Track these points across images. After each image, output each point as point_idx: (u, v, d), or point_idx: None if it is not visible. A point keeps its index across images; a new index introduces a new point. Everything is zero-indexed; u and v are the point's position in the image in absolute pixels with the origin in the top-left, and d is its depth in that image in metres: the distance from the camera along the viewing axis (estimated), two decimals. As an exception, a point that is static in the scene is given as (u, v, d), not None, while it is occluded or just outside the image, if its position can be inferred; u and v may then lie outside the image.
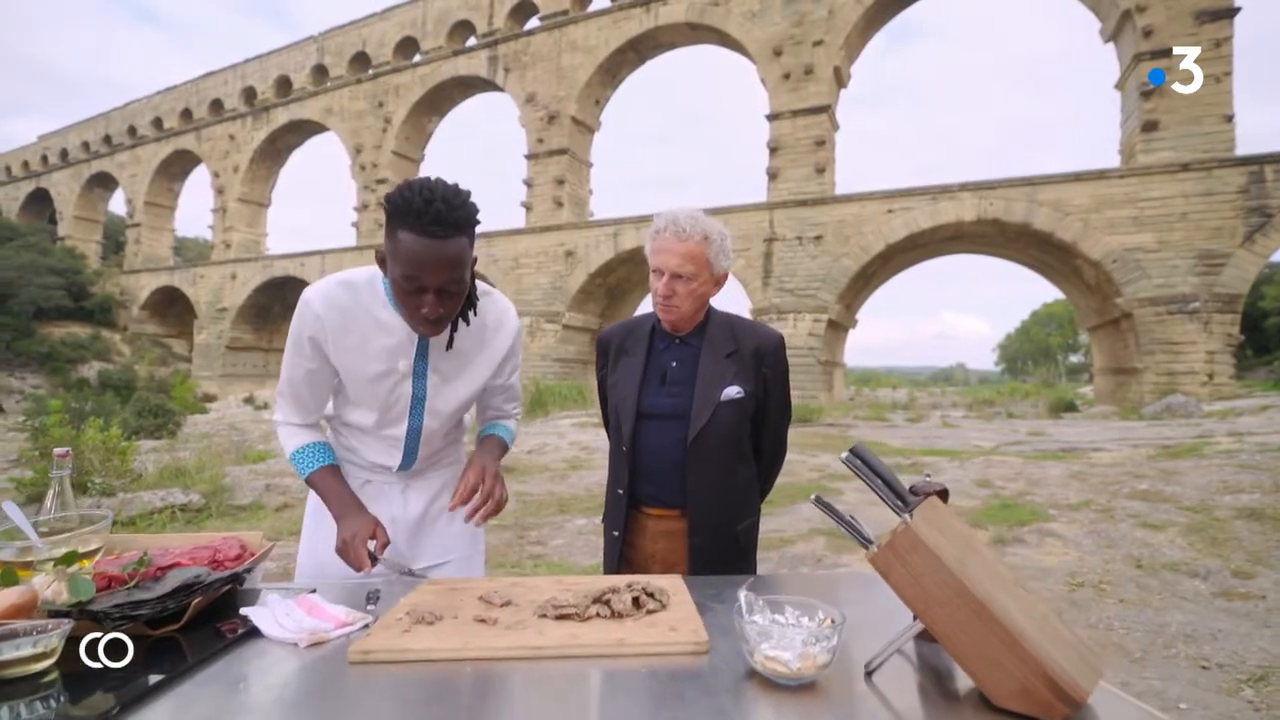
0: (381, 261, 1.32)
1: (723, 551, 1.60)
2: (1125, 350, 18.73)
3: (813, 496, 0.91)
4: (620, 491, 1.69)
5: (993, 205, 19.12)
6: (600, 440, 12.02)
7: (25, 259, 36.04)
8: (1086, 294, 20.63)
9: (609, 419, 1.82)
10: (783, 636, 0.82)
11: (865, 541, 0.88)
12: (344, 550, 1.31)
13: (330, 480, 1.46)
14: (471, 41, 29.16)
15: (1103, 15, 20.15)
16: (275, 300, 34.16)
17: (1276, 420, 13.06)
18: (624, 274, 25.54)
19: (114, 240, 46.38)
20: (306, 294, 1.40)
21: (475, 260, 1.35)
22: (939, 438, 13.91)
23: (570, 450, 10.97)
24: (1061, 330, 66.57)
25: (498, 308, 1.54)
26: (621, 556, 1.69)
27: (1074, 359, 68.08)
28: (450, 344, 1.45)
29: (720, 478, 1.62)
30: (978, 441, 12.47)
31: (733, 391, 1.60)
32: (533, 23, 27.64)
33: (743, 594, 0.90)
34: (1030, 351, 76.51)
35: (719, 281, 1.63)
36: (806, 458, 9.81)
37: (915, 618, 0.89)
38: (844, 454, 0.89)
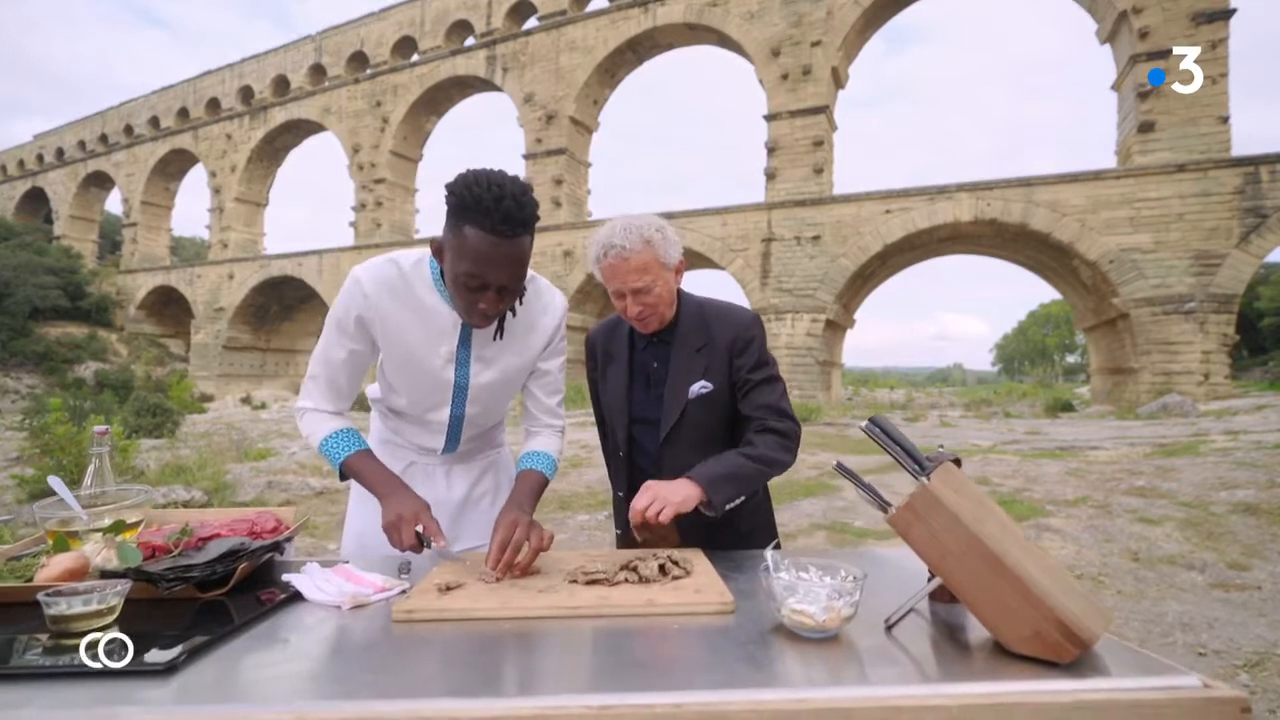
0: (438, 252, 1.31)
1: (723, 537, 1.57)
2: (1122, 350, 18.84)
3: (835, 463, 0.96)
4: (621, 494, 1.72)
5: (990, 206, 19.22)
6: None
7: (21, 258, 35.95)
8: (1083, 294, 20.75)
9: (602, 420, 1.81)
10: (808, 591, 0.87)
11: (884, 505, 0.93)
12: (392, 528, 1.30)
13: (370, 463, 1.43)
14: (470, 41, 29.21)
15: (1099, 17, 20.26)
16: (273, 300, 34.16)
17: (1272, 419, 13.15)
18: (622, 274, 25.55)
19: (110, 240, 46.30)
20: (355, 272, 1.39)
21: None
22: (937, 437, 13.98)
23: (570, 449, 11.02)
24: (1058, 331, 66.85)
25: (543, 294, 1.53)
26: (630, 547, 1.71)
27: (1071, 359, 68.36)
28: (499, 334, 1.44)
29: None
30: (975, 441, 12.54)
31: (698, 388, 1.58)
32: (531, 23, 27.69)
33: (769, 553, 0.95)
34: (1027, 352, 76.81)
35: (679, 271, 1.60)
36: (805, 456, 9.87)
37: (930, 575, 0.94)
38: (864, 423, 0.93)
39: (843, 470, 0.94)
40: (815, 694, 0.72)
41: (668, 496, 1.35)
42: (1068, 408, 20.28)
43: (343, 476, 1.45)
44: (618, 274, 1.52)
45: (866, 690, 0.74)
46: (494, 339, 1.45)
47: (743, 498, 1.49)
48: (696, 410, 1.58)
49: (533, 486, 1.47)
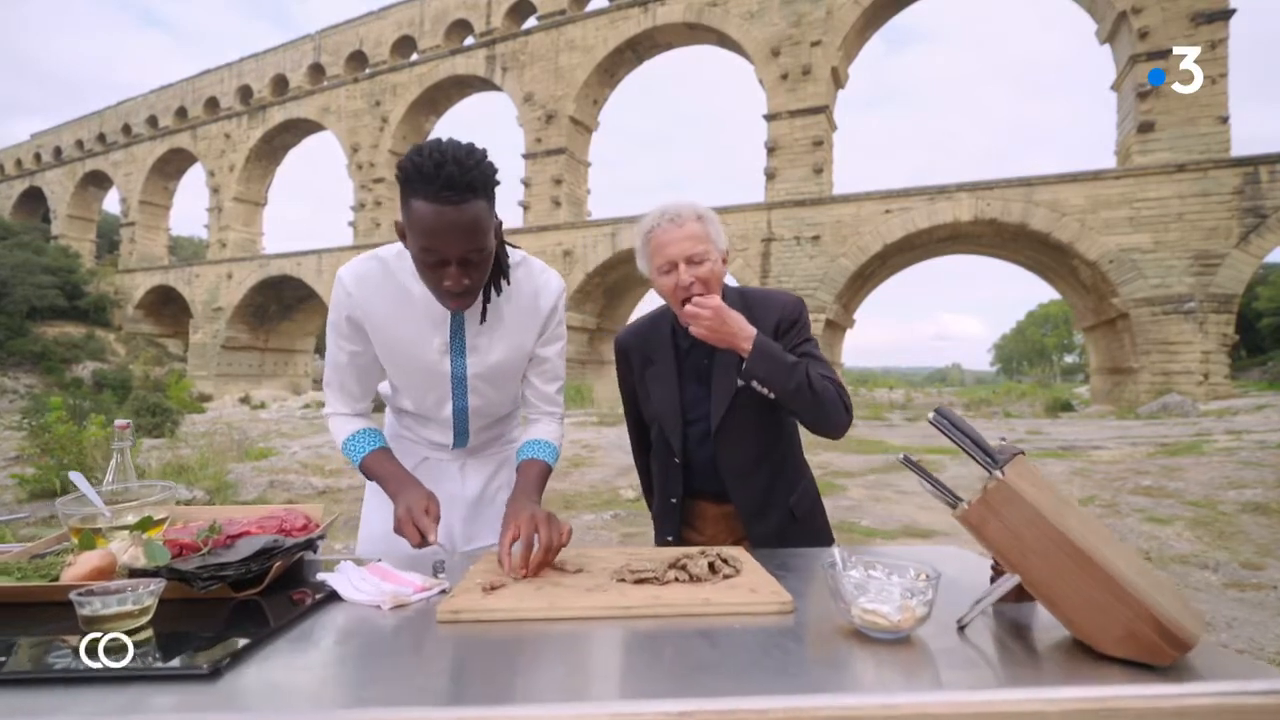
0: (403, 235, 1.25)
1: (783, 530, 1.56)
2: (1121, 350, 18.84)
3: (901, 456, 0.92)
4: (674, 500, 1.64)
5: (990, 206, 19.21)
6: (602, 439, 12.02)
7: (19, 258, 35.78)
8: (1083, 294, 20.75)
9: (643, 426, 1.76)
10: (880, 590, 0.83)
11: (955, 500, 0.89)
12: (401, 524, 1.27)
13: (383, 462, 1.41)
14: (469, 41, 29.15)
15: (1099, 17, 20.27)
16: (271, 300, 34.04)
17: (1273, 419, 13.16)
18: (622, 273, 25.55)
19: (108, 239, 46.11)
20: (339, 272, 1.37)
21: (500, 225, 1.27)
22: (937, 436, 13.88)
23: (571, 449, 10.98)
24: (1057, 331, 67.00)
25: (536, 275, 1.45)
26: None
27: (1069, 359, 68.49)
28: (484, 317, 1.38)
29: (755, 461, 1.56)
30: (977, 440, 12.51)
31: None
32: (530, 22, 27.65)
33: (836, 550, 0.91)
34: (1026, 352, 76.96)
35: (725, 260, 1.54)
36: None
37: (995, 573, 0.90)
38: (930, 414, 0.90)
39: (910, 464, 0.90)
40: (905, 699, 0.68)
41: (730, 322, 1.39)
42: (1067, 407, 20.29)
43: (367, 476, 1.43)
44: (670, 241, 1.46)
45: (958, 695, 0.70)
46: (480, 322, 1.39)
47: (771, 393, 1.43)
48: (746, 400, 1.51)
49: (538, 475, 1.44)
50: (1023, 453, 0.98)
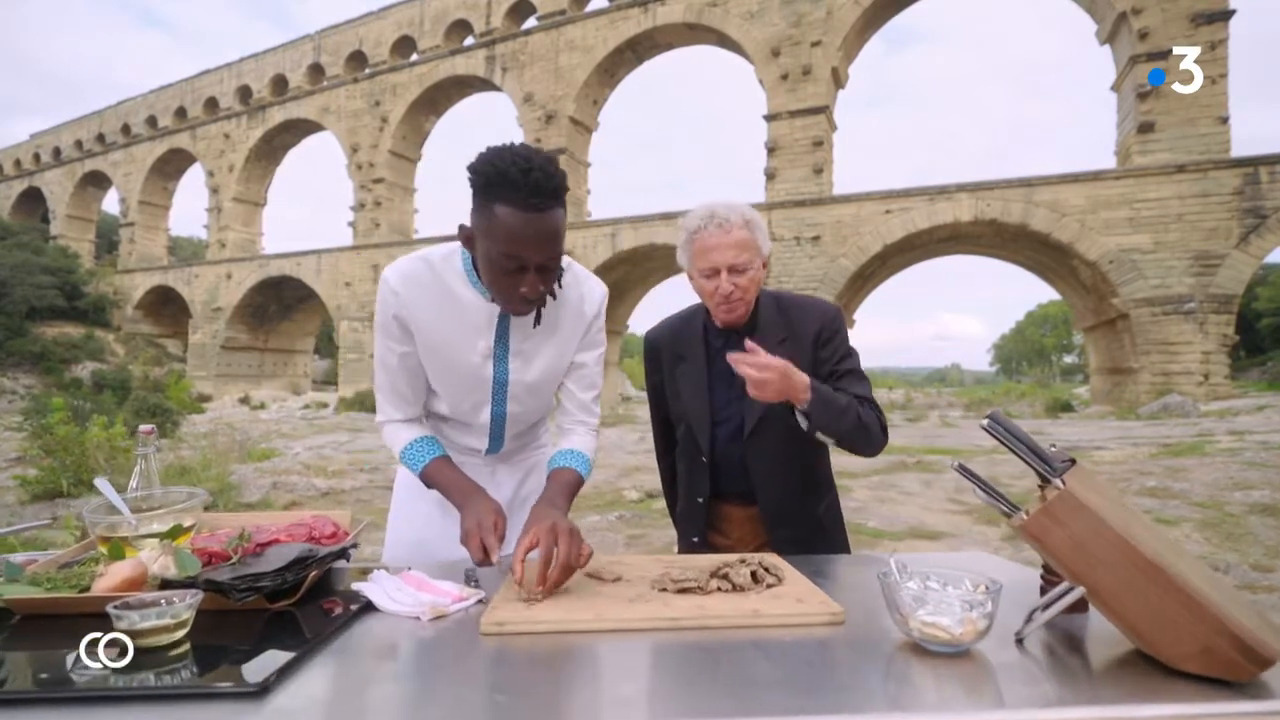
0: (468, 240, 1.24)
1: (808, 537, 1.56)
2: (1121, 350, 18.85)
3: (955, 464, 0.90)
4: (700, 500, 1.63)
5: (990, 206, 19.21)
6: (602, 439, 11.99)
7: (18, 258, 35.66)
8: (1083, 294, 20.76)
9: (668, 425, 1.75)
10: (940, 602, 0.81)
11: (1012, 509, 0.87)
12: (469, 537, 1.23)
13: (447, 471, 1.39)
14: (469, 41, 29.10)
15: (1099, 18, 20.27)
16: (271, 300, 33.98)
17: (1274, 419, 13.17)
18: (622, 274, 25.54)
19: (108, 239, 45.99)
20: (384, 273, 1.36)
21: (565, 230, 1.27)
22: (939, 436, 13.96)
23: (575, 449, 10.95)
24: (1056, 331, 67.11)
25: (581, 281, 1.45)
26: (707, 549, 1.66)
27: (1068, 359, 68.60)
28: (537, 321, 1.36)
29: (785, 467, 1.55)
30: (978, 440, 12.50)
31: None
32: (530, 22, 27.61)
33: (893, 560, 0.89)
34: (1025, 352, 77.11)
35: (766, 264, 1.55)
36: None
37: (1046, 583, 0.88)
38: (984, 420, 0.88)
39: (965, 473, 0.88)
40: (974, 717, 0.66)
41: (793, 377, 1.32)
42: (1067, 408, 20.31)
43: (428, 485, 1.41)
44: (717, 247, 1.46)
45: (1025, 713, 0.68)
46: (534, 326, 1.38)
47: (830, 440, 1.43)
48: (780, 408, 1.48)
49: (567, 484, 1.38)
50: (1072, 460, 0.96)
